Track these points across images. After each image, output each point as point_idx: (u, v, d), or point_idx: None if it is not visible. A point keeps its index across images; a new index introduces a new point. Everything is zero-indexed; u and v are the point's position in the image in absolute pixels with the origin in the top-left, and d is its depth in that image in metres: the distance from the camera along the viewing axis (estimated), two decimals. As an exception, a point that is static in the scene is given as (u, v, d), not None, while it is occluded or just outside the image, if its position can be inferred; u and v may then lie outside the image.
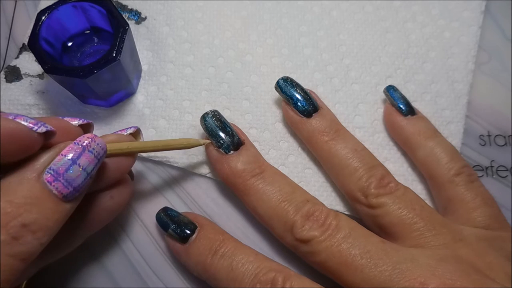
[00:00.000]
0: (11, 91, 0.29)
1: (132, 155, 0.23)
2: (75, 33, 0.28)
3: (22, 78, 0.29)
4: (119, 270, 0.26)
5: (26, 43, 0.28)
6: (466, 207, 0.24)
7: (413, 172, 0.28)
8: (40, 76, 0.30)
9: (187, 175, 0.28)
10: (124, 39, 0.24)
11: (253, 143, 0.27)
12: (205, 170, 0.28)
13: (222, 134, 0.26)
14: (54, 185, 0.18)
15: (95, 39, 0.28)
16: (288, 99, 0.27)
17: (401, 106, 0.28)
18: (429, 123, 0.28)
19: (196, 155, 0.28)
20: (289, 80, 0.27)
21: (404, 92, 0.29)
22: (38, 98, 0.29)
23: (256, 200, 0.24)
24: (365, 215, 0.24)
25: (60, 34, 0.27)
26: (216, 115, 0.26)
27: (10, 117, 0.17)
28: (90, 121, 0.23)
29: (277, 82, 0.27)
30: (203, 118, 0.26)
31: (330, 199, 0.27)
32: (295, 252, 0.24)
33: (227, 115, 0.28)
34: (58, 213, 0.18)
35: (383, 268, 0.20)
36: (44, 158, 0.18)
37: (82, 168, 0.18)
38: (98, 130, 0.28)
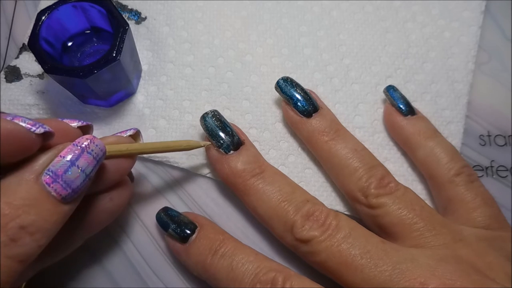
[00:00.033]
0: (11, 91, 0.29)
1: (131, 157, 0.23)
2: (75, 33, 0.28)
3: (22, 78, 0.29)
4: (119, 270, 0.26)
5: (26, 43, 0.28)
6: (466, 207, 0.24)
7: (413, 172, 0.28)
8: (40, 76, 0.30)
9: (187, 175, 0.28)
10: (124, 39, 0.24)
11: (253, 143, 0.27)
12: (205, 170, 0.28)
13: (222, 134, 0.26)
14: (52, 187, 0.17)
15: (95, 39, 0.28)
16: (288, 99, 0.27)
17: (401, 106, 0.28)
18: (429, 123, 0.28)
19: (196, 155, 0.28)
20: (289, 80, 0.27)
21: (404, 92, 0.29)
22: (38, 98, 0.29)
23: (256, 200, 0.24)
24: (365, 215, 0.24)
25: (60, 34, 0.27)
26: (216, 115, 0.26)
27: (8, 118, 0.17)
28: (89, 123, 0.23)
29: (277, 82, 0.27)
30: (203, 118, 0.26)
31: (330, 199, 0.27)
32: (295, 252, 0.24)
33: (227, 115, 0.28)
34: (56, 215, 0.18)
35: (383, 268, 0.20)
36: (42, 159, 0.18)
37: (81, 170, 0.18)
38: (98, 130, 0.28)
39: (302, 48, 0.31)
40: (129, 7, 0.32)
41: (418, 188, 0.28)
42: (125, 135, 0.24)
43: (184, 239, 0.24)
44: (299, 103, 0.27)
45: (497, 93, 0.31)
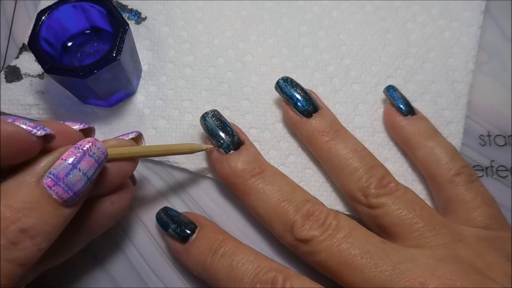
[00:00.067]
0: (11, 91, 0.29)
1: (133, 160, 0.22)
2: (75, 33, 0.28)
3: (22, 78, 0.29)
4: (119, 270, 0.26)
5: (26, 43, 0.28)
6: (466, 207, 0.24)
7: (413, 172, 0.28)
8: (40, 76, 0.30)
9: (187, 175, 0.28)
10: (124, 39, 0.24)
11: (253, 143, 0.27)
12: (205, 170, 0.28)
13: (222, 134, 0.26)
14: (54, 190, 0.17)
15: (95, 39, 0.28)
16: (288, 99, 0.27)
17: (401, 106, 0.28)
18: (429, 123, 0.28)
19: (196, 155, 0.28)
20: (289, 80, 0.27)
21: (404, 92, 0.29)
22: (38, 98, 0.29)
23: (256, 200, 0.24)
24: (365, 215, 0.24)
25: (60, 34, 0.27)
26: (216, 115, 0.26)
27: (9, 120, 0.17)
28: (91, 126, 0.23)
29: (277, 82, 0.27)
30: (203, 118, 0.26)
31: (330, 199, 0.27)
32: (295, 252, 0.24)
33: (227, 115, 0.28)
34: (57, 218, 0.18)
35: (383, 268, 0.20)
36: (44, 162, 0.18)
37: (82, 173, 0.18)
38: (98, 130, 0.28)
39: (302, 48, 0.31)
40: (129, 7, 0.32)
41: (418, 188, 0.28)
42: (127, 138, 0.23)
43: (184, 239, 0.24)
44: (299, 103, 0.27)
45: (497, 93, 0.31)
